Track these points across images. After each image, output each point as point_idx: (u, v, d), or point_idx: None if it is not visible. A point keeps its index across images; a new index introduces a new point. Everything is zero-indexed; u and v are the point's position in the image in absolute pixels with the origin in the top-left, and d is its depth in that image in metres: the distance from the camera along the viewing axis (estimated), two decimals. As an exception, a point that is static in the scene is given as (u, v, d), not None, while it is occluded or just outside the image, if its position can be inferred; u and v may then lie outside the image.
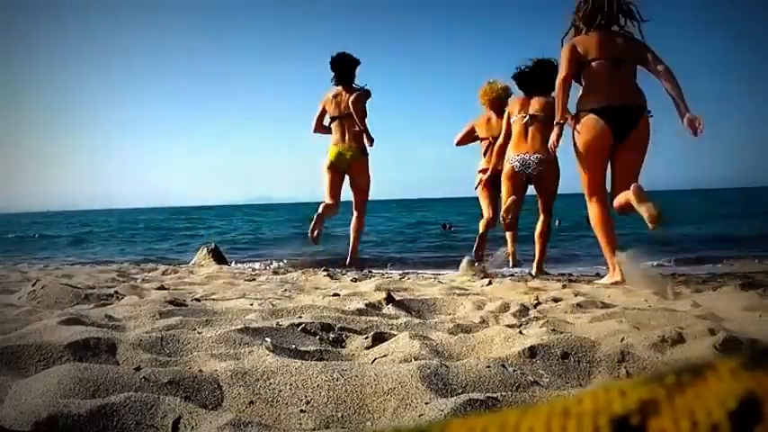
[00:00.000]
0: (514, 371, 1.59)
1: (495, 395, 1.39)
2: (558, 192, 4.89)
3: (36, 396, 1.33)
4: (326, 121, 5.59)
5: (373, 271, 6.19)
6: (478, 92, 5.30)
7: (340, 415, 1.36)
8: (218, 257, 7.56)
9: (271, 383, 1.46)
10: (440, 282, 4.45)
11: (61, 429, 1.15)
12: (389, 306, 2.79)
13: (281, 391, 1.43)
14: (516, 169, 4.55)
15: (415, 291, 3.69)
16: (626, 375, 1.67)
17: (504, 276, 4.95)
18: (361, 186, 5.50)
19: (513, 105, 4.78)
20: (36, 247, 15.96)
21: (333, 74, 5.36)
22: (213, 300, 3.17)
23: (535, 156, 4.50)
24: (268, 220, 31.62)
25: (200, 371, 1.53)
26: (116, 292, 3.24)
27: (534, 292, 3.60)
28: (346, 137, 5.30)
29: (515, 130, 4.59)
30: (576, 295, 3.36)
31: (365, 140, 5.30)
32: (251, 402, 1.40)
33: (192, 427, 1.22)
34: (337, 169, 5.38)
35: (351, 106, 5.16)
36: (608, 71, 3.45)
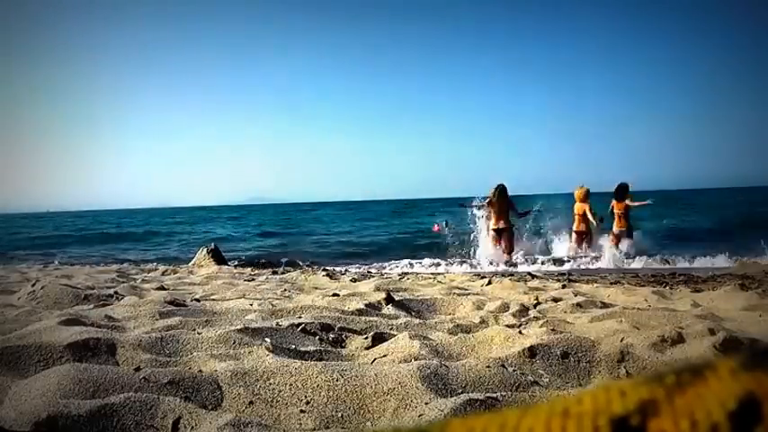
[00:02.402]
0: (514, 371, 1.59)
1: (495, 395, 1.39)
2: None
3: (36, 396, 1.33)
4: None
5: (373, 271, 6.20)
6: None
7: (340, 415, 1.36)
8: (218, 258, 7.56)
9: (271, 384, 1.46)
10: (440, 282, 4.45)
11: (61, 429, 1.15)
12: (389, 306, 2.79)
13: (280, 392, 1.43)
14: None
15: (415, 291, 3.69)
16: (626, 375, 1.67)
17: (503, 276, 4.98)
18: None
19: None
20: (36, 246, 15.97)
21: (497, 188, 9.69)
22: (213, 300, 3.17)
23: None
24: (268, 221, 31.65)
25: (200, 371, 1.53)
26: (116, 293, 3.24)
27: (534, 292, 3.60)
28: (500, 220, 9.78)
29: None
30: (575, 295, 3.36)
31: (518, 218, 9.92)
32: (251, 402, 1.40)
33: (192, 427, 1.22)
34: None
35: (509, 205, 9.63)
36: (495, 214, 9.35)
